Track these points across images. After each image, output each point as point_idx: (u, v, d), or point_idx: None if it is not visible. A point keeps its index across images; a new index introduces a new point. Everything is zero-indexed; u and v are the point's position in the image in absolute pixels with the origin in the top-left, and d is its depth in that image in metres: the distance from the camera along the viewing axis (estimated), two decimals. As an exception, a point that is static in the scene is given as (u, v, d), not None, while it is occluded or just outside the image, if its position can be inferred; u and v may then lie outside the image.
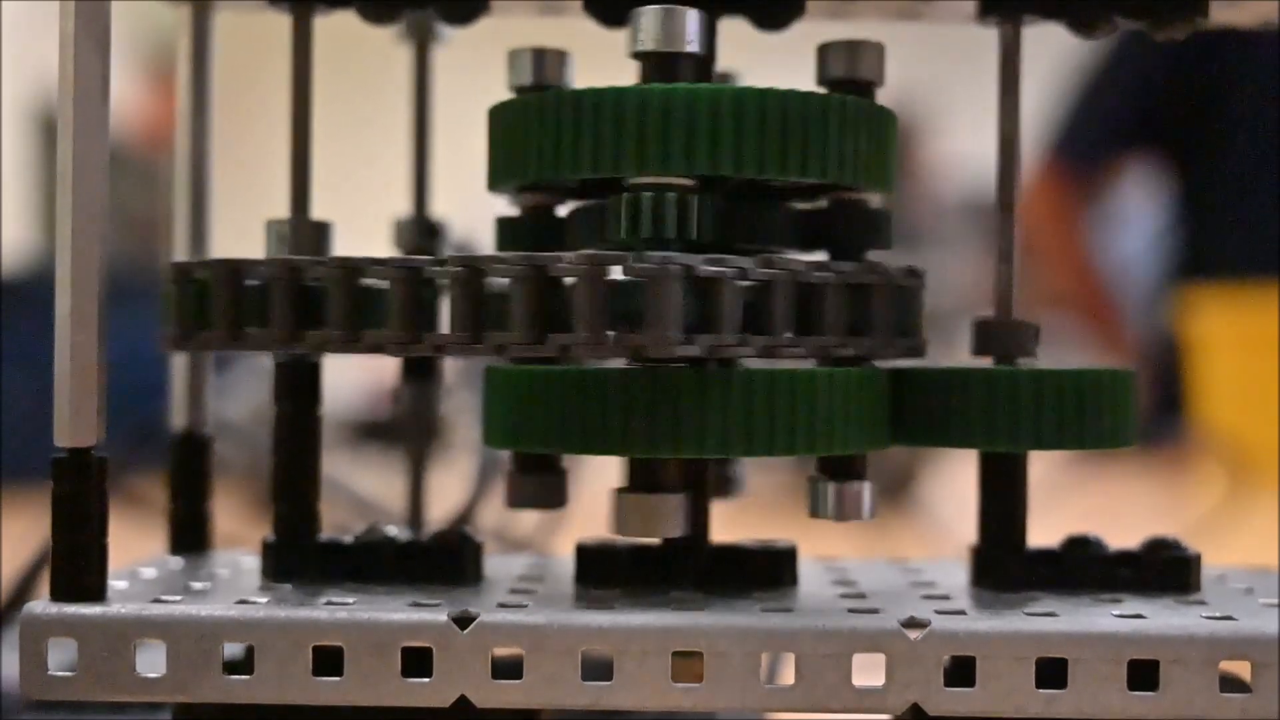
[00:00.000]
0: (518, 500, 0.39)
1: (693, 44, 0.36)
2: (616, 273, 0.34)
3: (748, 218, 0.38)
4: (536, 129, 0.36)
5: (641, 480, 0.37)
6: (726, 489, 0.42)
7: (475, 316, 0.35)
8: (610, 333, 0.34)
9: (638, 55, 0.36)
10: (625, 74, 0.38)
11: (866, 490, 0.38)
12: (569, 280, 0.34)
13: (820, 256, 0.38)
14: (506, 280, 0.34)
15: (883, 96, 0.39)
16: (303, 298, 0.36)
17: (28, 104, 2.89)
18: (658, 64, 0.36)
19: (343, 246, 0.39)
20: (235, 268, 0.36)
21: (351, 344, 0.35)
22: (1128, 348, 1.64)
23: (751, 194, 0.39)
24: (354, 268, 0.35)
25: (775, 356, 0.35)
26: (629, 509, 0.36)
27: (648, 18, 0.36)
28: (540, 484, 0.39)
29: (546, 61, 0.39)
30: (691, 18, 0.36)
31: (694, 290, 0.34)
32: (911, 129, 2.54)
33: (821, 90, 0.38)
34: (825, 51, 0.38)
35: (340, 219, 0.41)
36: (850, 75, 0.38)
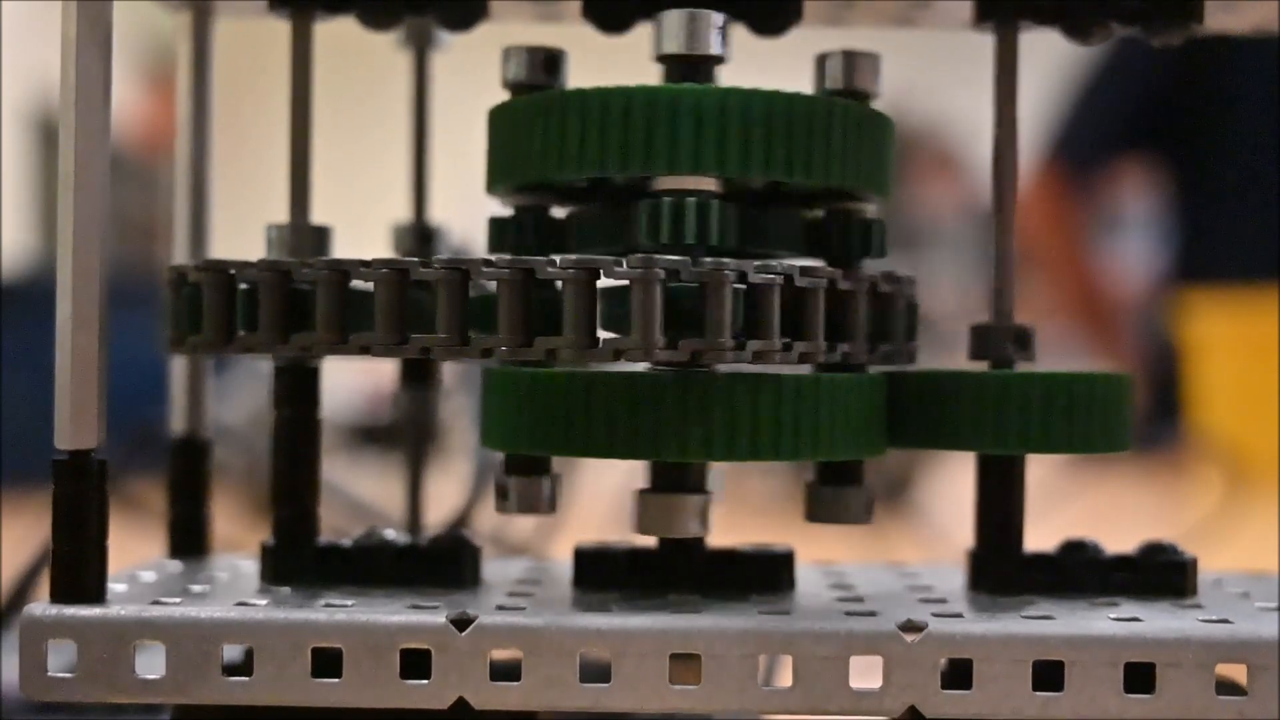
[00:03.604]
0: (508, 506, 0.39)
1: (716, 46, 0.36)
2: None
3: (748, 223, 0.38)
4: (540, 130, 0.36)
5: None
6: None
7: (462, 319, 0.35)
8: (601, 336, 0.34)
9: (662, 58, 0.37)
10: (625, 78, 0.38)
11: (864, 495, 0.38)
12: (559, 284, 0.34)
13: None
14: (495, 283, 0.35)
15: (898, 103, 0.39)
16: (292, 300, 0.36)
17: (29, 108, 2.89)
18: (681, 66, 0.36)
19: (342, 251, 0.39)
20: (224, 270, 0.36)
21: (338, 346, 0.35)
22: (1125, 351, 1.64)
23: (750, 199, 0.39)
24: (341, 269, 0.35)
25: (765, 362, 0.35)
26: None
27: (673, 20, 0.36)
28: (531, 488, 0.39)
29: (543, 59, 0.39)
30: (716, 20, 0.36)
31: (684, 294, 0.34)
32: (943, 136, 2.54)
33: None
34: (823, 62, 0.39)
35: (340, 224, 0.42)
36: (848, 86, 0.38)
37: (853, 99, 0.38)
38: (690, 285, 0.34)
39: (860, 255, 0.39)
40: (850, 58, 0.38)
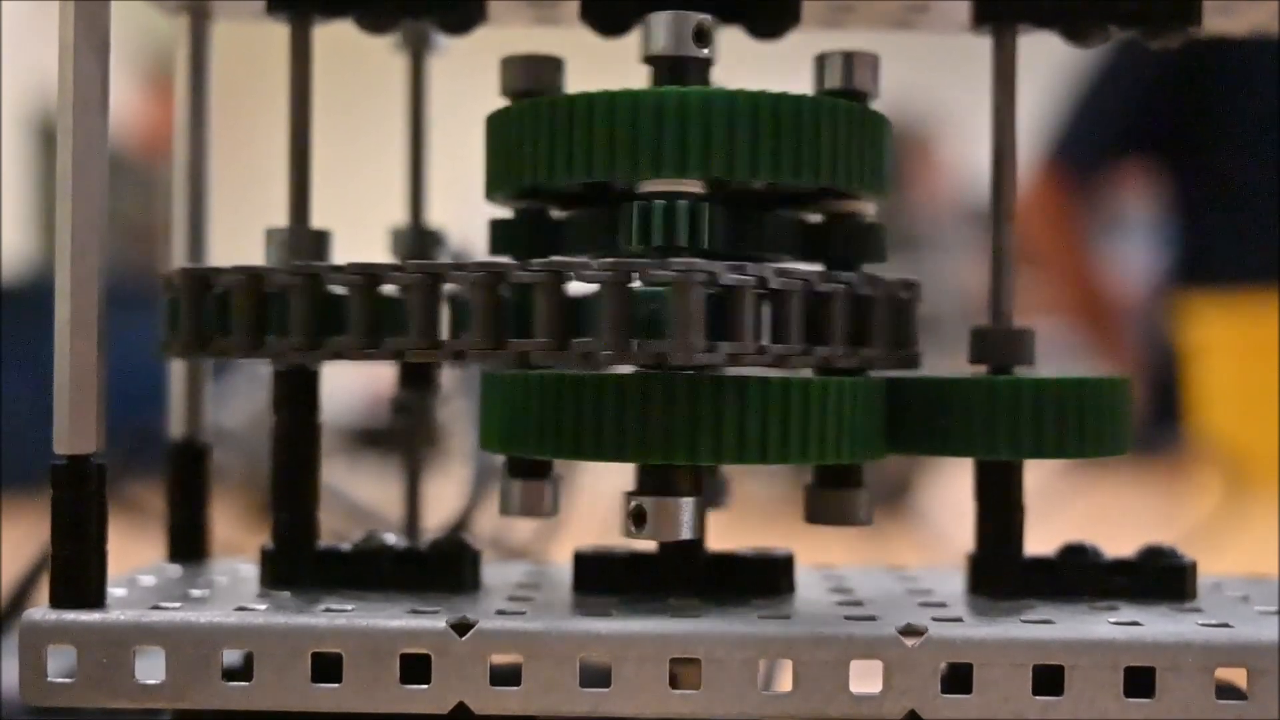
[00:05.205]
0: (510, 508, 0.39)
1: (701, 48, 0.36)
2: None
3: (746, 227, 0.38)
4: (538, 135, 0.36)
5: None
6: (713, 498, 0.42)
7: (496, 323, 0.35)
8: (633, 340, 0.34)
9: (649, 59, 0.37)
10: (622, 82, 0.38)
11: (863, 497, 0.38)
12: (585, 287, 0.34)
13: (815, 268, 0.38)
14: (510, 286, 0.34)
15: (894, 103, 0.39)
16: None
17: (27, 111, 2.89)
18: (669, 68, 0.36)
19: (341, 255, 0.39)
20: (255, 275, 0.36)
21: (372, 352, 0.35)
22: (1125, 355, 1.64)
23: (747, 203, 0.39)
24: (373, 274, 0.35)
25: (787, 366, 0.35)
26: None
27: (659, 22, 0.36)
28: (533, 491, 0.39)
29: (541, 68, 0.39)
30: (702, 21, 0.36)
31: (713, 298, 0.34)
32: (924, 136, 2.54)
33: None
34: (822, 62, 0.38)
35: (339, 226, 0.41)
36: (846, 86, 0.38)
37: (851, 99, 0.38)
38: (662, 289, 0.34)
39: (859, 259, 0.39)
40: (849, 58, 0.38)
